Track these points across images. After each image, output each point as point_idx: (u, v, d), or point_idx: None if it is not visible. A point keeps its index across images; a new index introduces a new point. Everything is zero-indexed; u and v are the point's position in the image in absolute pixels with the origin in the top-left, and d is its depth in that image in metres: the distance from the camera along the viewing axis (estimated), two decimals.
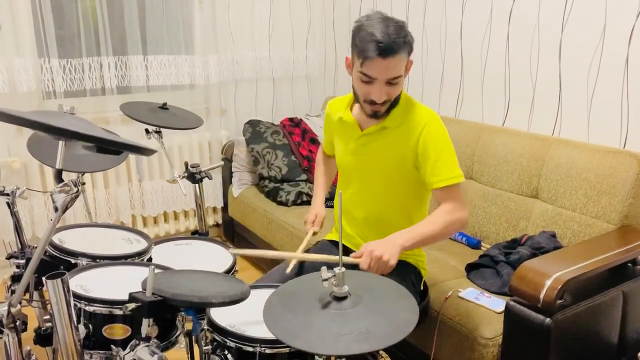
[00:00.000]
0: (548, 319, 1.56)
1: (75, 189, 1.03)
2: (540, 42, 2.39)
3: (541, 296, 1.56)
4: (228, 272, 1.69)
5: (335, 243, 1.93)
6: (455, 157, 1.65)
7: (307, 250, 1.91)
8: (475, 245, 2.38)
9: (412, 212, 1.76)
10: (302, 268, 1.79)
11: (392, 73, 1.56)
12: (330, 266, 1.20)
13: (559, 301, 1.56)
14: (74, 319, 1.19)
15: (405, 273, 1.77)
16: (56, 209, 1.06)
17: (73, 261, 1.58)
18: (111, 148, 1.02)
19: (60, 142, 1.09)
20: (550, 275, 1.59)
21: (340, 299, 1.18)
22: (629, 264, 1.83)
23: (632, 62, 2.08)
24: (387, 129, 1.69)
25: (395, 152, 1.69)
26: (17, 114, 0.91)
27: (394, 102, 1.66)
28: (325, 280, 1.17)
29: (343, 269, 1.18)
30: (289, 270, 1.71)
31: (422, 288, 1.88)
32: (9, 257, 1.71)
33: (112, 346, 1.34)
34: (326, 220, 1.95)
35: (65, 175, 1.17)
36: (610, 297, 1.73)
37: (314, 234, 1.89)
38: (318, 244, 1.96)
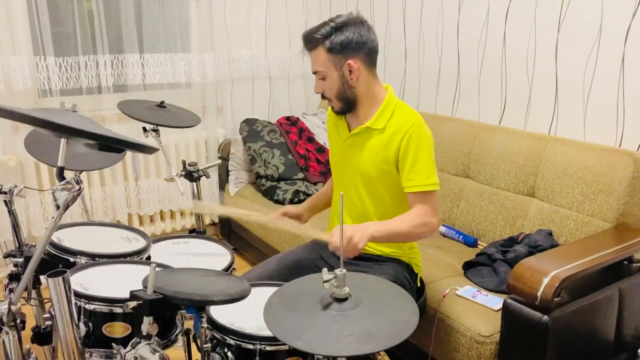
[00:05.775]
0: (545, 317, 1.57)
1: (77, 187, 1.02)
2: (537, 41, 2.40)
3: (539, 294, 1.57)
4: (226, 270, 1.70)
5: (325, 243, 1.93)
6: (433, 165, 1.69)
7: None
8: (472, 243, 2.39)
9: (394, 213, 1.74)
10: (298, 268, 1.80)
11: (312, 67, 1.72)
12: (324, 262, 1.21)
13: (556, 299, 1.57)
14: (75, 317, 1.19)
15: (399, 271, 1.78)
16: (58, 207, 1.05)
17: (72, 259, 1.57)
18: (115, 146, 1.02)
19: (62, 140, 1.09)
20: (547, 273, 1.60)
21: (340, 300, 1.19)
22: (625, 262, 1.84)
23: (628, 61, 2.09)
24: (372, 130, 1.72)
25: (378, 153, 1.71)
26: (25, 112, 0.91)
27: (347, 102, 1.71)
28: (326, 281, 1.18)
29: (344, 270, 1.18)
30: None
31: (419, 285, 1.89)
32: (7, 256, 1.70)
33: (113, 344, 1.34)
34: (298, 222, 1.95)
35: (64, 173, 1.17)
36: (606, 295, 1.74)
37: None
38: (309, 244, 1.97)
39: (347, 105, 1.72)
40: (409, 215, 1.67)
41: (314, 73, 1.72)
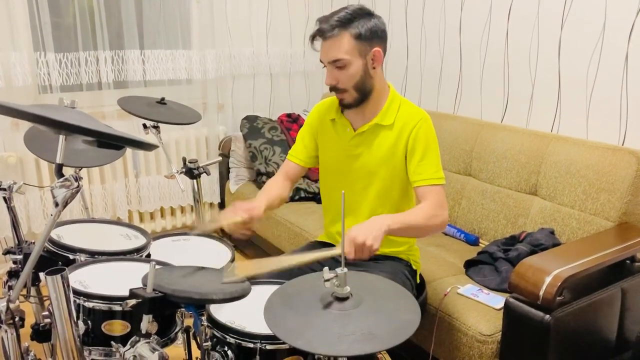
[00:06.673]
0: (547, 316, 1.56)
1: (76, 184, 1.01)
2: (540, 39, 2.39)
3: (541, 293, 1.56)
4: None
5: (324, 244, 1.91)
6: (439, 160, 1.68)
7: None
8: (473, 242, 2.38)
9: (403, 211, 1.72)
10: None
11: (331, 55, 1.59)
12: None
13: (558, 298, 1.56)
14: (74, 314, 1.18)
15: (398, 269, 1.77)
16: (57, 204, 1.04)
17: (71, 257, 1.56)
18: (114, 143, 1.00)
19: (61, 137, 1.08)
20: (550, 272, 1.59)
21: (341, 299, 1.18)
22: (627, 261, 1.84)
23: (632, 58, 2.08)
24: (379, 127, 1.70)
25: (387, 150, 1.69)
26: (21, 108, 0.90)
27: (363, 93, 1.65)
28: (327, 280, 1.17)
29: (345, 269, 1.17)
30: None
31: (418, 281, 1.87)
32: (6, 253, 1.70)
33: (112, 342, 1.33)
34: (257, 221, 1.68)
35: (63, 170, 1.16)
36: (609, 294, 1.73)
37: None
38: (307, 245, 1.95)
39: (362, 96, 1.65)
40: (422, 208, 1.62)
41: (333, 62, 1.59)
